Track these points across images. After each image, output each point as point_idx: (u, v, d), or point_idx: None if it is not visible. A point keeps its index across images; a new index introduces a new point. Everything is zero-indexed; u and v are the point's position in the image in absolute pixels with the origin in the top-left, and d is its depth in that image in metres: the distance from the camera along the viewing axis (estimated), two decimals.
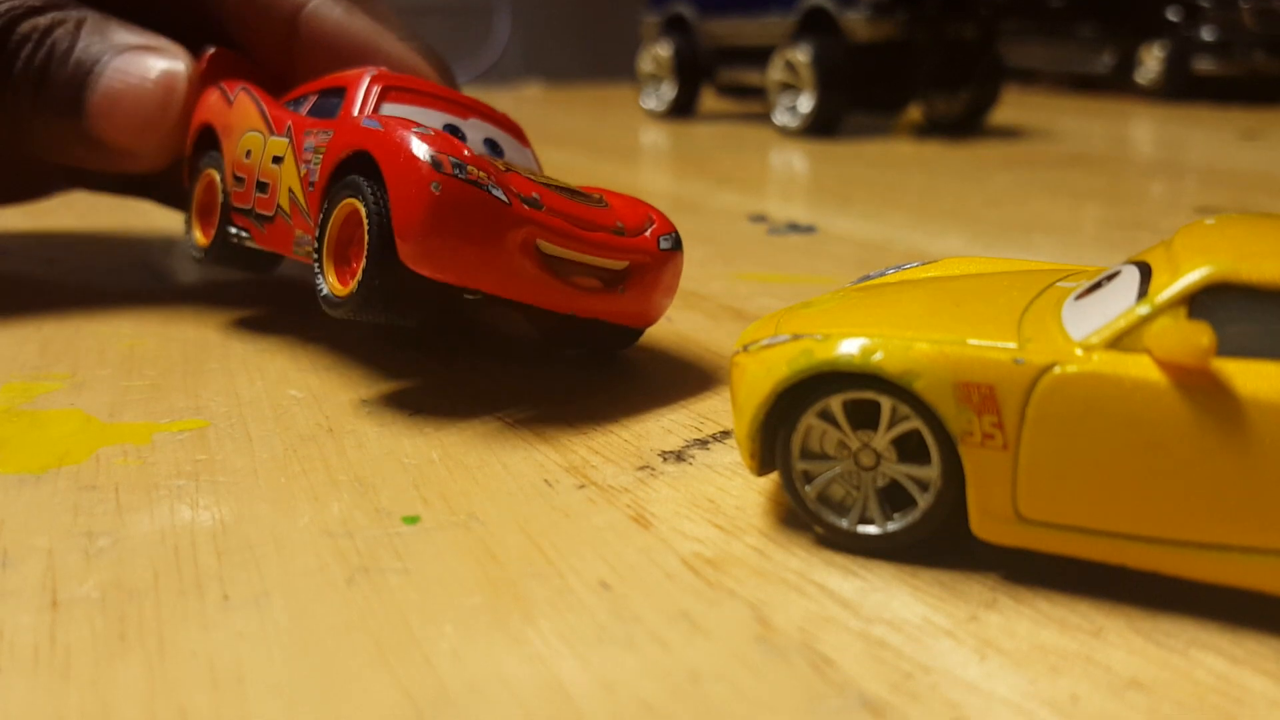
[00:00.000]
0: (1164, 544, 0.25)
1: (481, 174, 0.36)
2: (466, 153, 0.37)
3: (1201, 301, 0.25)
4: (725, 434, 0.37)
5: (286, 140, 0.43)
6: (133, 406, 0.40)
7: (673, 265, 0.42)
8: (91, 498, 0.32)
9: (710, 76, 1.72)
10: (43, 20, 0.50)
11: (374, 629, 0.25)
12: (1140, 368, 0.25)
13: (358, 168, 0.38)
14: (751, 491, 0.33)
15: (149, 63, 0.51)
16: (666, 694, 0.23)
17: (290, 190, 0.43)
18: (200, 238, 0.51)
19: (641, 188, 1.02)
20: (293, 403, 0.41)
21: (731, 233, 0.76)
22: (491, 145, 0.45)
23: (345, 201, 0.39)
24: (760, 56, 1.55)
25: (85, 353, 0.47)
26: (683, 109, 1.75)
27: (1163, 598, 0.26)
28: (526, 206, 0.37)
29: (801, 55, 1.42)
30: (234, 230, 0.48)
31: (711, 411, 0.40)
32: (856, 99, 1.45)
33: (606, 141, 1.44)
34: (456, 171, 0.36)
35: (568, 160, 1.20)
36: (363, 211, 0.37)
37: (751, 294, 0.58)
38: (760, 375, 0.29)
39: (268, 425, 0.38)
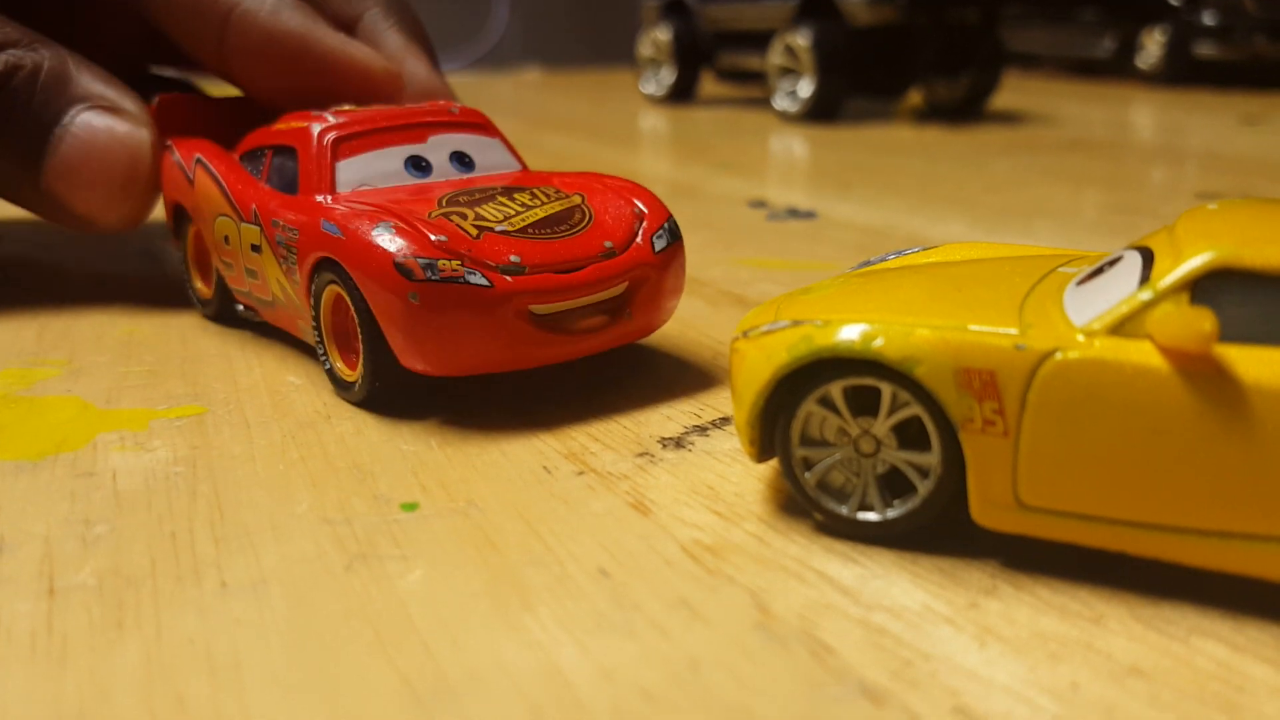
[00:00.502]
0: (1165, 531, 0.25)
1: (454, 264, 0.35)
2: (433, 238, 0.36)
3: (1204, 287, 0.25)
4: (725, 420, 0.37)
5: (258, 229, 0.42)
6: (130, 393, 0.40)
7: (674, 263, 0.41)
8: (89, 484, 0.32)
9: (710, 61, 1.71)
10: None
11: (372, 616, 0.25)
12: (1142, 354, 0.24)
13: (333, 263, 0.38)
14: (751, 478, 0.33)
15: (112, 129, 0.48)
16: (666, 681, 0.23)
17: (279, 281, 0.42)
18: (202, 289, 0.50)
19: (641, 173, 1.02)
20: (291, 389, 0.41)
21: (731, 218, 0.76)
22: (459, 159, 0.44)
23: (329, 288, 0.38)
24: (760, 41, 1.54)
25: (83, 339, 0.47)
26: (682, 94, 1.74)
27: (1163, 585, 0.26)
28: (509, 278, 0.36)
29: (801, 39, 1.41)
30: (241, 307, 0.47)
31: (711, 398, 0.40)
32: (857, 84, 1.44)
33: (606, 127, 1.44)
34: (429, 274, 0.35)
35: (567, 146, 1.19)
36: (351, 306, 0.37)
37: (751, 280, 0.58)
38: (760, 361, 0.29)
39: (266, 412, 0.38)
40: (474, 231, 0.37)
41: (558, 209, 0.40)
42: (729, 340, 0.32)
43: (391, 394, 0.38)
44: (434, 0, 2.76)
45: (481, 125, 0.46)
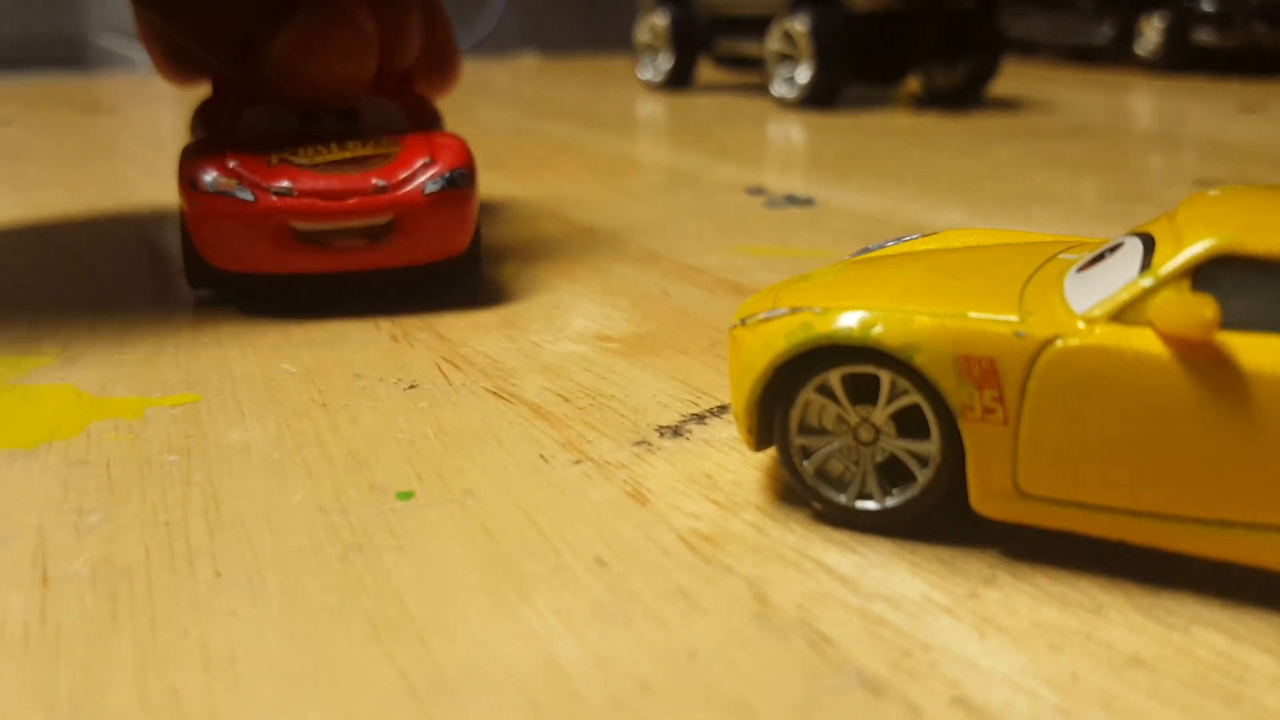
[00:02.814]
0: (1166, 519, 0.25)
1: (230, 182, 0.46)
2: (230, 165, 0.47)
3: (1206, 274, 0.24)
4: (723, 409, 0.37)
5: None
6: (124, 381, 0.40)
7: (449, 206, 0.48)
8: (82, 473, 0.32)
9: (708, 47, 1.70)
10: None
11: (368, 607, 0.25)
12: (1143, 341, 0.24)
13: None
14: (749, 467, 0.33)
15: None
16: (663, 672, 0.23)
17: None
18: None
19: (638, 160, 1.01)
20: (286, 377, 0.40)
21: (729, 205, 0.76)
22: (347, 115, 0.52)
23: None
24: (758, 27, 1.53)
25: (76, 327, 0.46)
26: (680, 80, 1.73)
27: (1164, 574, 0.26)
28: (274, 198, 0.46)
29: (799, 25, 1.41)
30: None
31: (709, 386, 0.39)
32: (855, 70, 1.43)
33: (603, 113, 1.43)
34: (208, 188, 0.46)
35: (564, 132, 1.19)
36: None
37: (749, 267, 0.57)
38: (758, 349, 0.29)
39: (260, 400, 0.38)
40: (275, 161, 0.47)
41: (362, 154, 0.48)
42: (726, 328, 0.32)
43: (201, 281, 0.49)
44: None
45: (388, 91, 0.54)
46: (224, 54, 0.52)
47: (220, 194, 0.46)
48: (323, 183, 0.47)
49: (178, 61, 0.59)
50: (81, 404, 0.38)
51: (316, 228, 0.46)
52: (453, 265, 0.50)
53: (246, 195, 0.46)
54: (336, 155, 0.48)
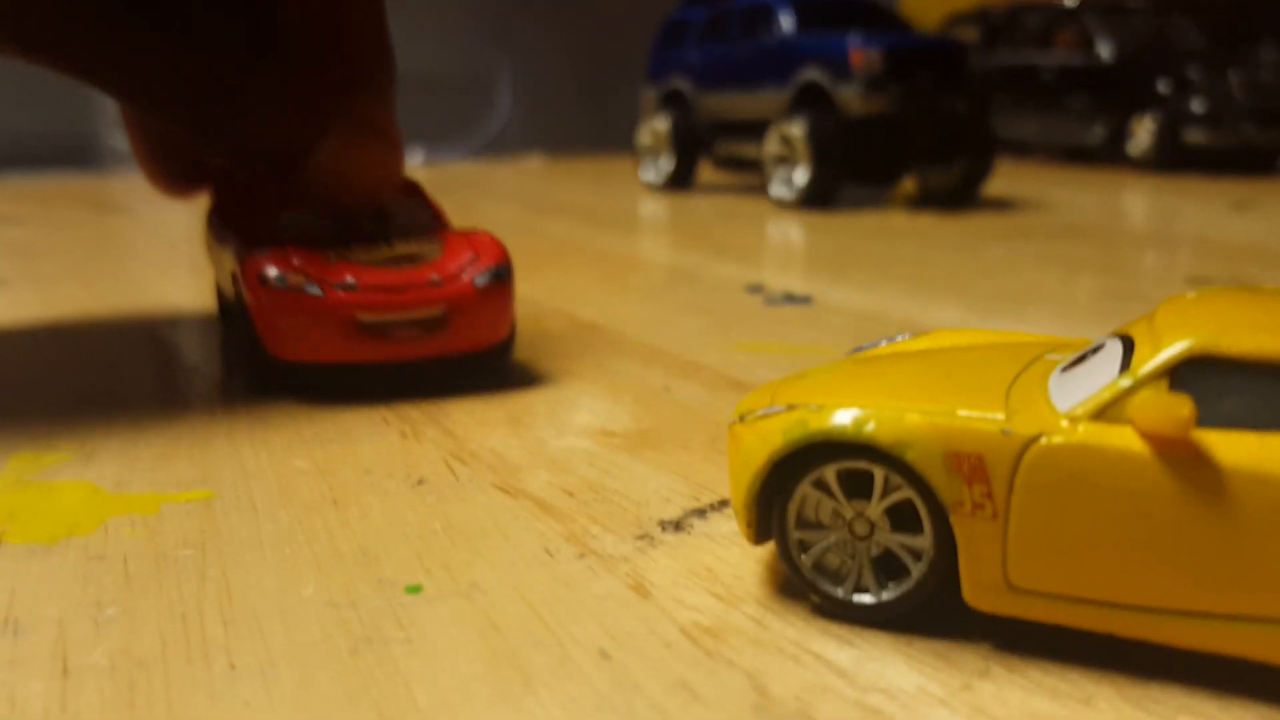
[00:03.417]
0: (1151, 612, 0.25)
1: (299, 278, 0.50)
2: (295, 262, 0.50)
3: (1182, 374, 0.25)
4: (723, 503, 0.38)
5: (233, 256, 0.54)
6: (140, 477, 0.41)
7: (495, 297, 0.53)
8: (100, 568, 0.33)
9: (708, 149, 1.74)
10: None
11: (377, 699, 0.26)
12: (1124, 439, 0.25)
13: None
14: (749, 560, 0.33)
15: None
16: None
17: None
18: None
19: (640, 258, 1.03)
20: (297, 474, 0.41)
21: (728, 303, 0.77)
22: (378, 213, 0.56)
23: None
24: (756, 130, 1.57)
25: (92, 423, 0.48)
26: (681, 181, 1.77)
27: (1151, 665, 0.26)
28: (341, 292, 0.50)
29: (796, 129, 1.44)
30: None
31: (709, 481, 0.40)
32: (851, 172, 1.47)
33: (606, 212, 1.46)
34: (279, 284, 0.50)
35: (567, 231, 1.21)
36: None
37: (748, 364, 0.59)
38: (756, 445, 0.30)
39: (273, 496, 0.39)
40: (335, 259, 0.51)
41: (412, 252, 0.53)
42: (726, 423, 0.33)
43: (267, 376, 0.52)
44: (440, 90, 2.81)
45: (410, 190, 0.58)
46: (258, 166, 0.55)
47: (291, 290, 0.50)
48: (383, 278, 0.51)
49: (171, 170, 0.62)
50: (99, 499, 0.39)
51: (380, 319, 0.50)
52: (495, 351, 0.54)
53: (315, 290, 0.50)
54: (389, 253, 0.53)
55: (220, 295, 0.65)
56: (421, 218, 0.58)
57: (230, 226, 0.56)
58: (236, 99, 0.52)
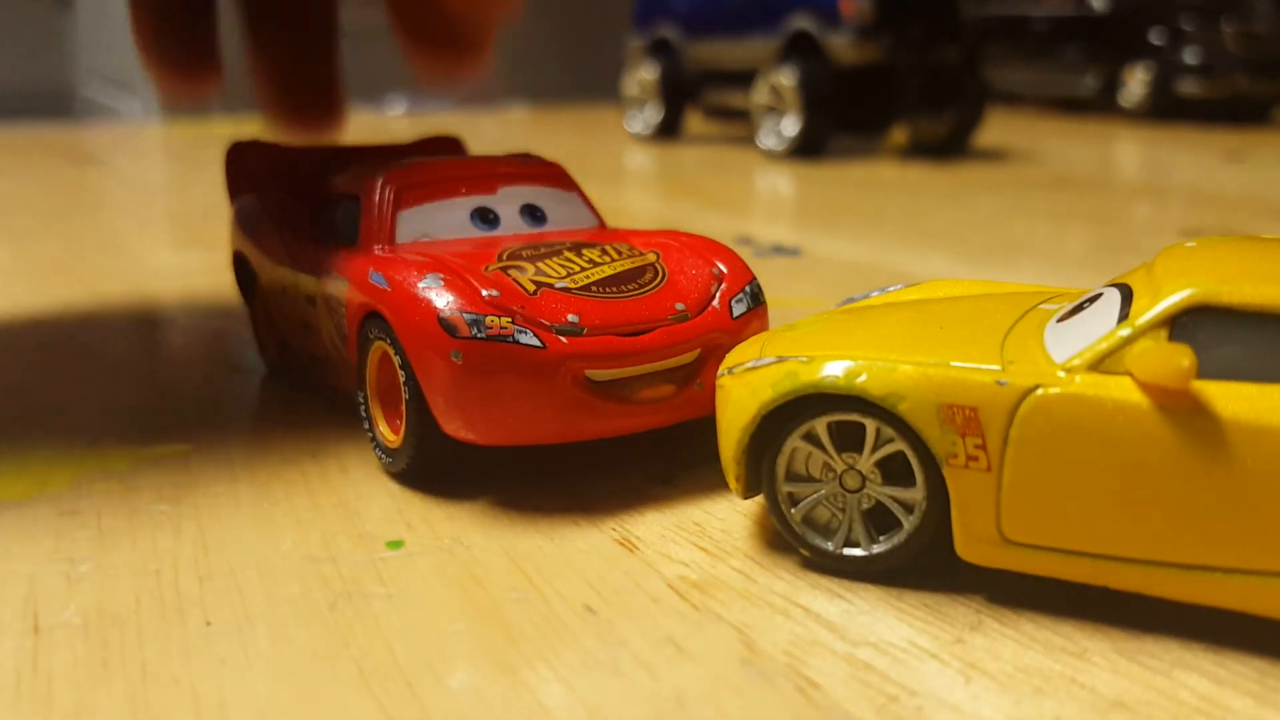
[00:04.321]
0: (1146, 565, 0.25)
1: (504, 321, 0.32)
2: (484, 293, 0.33)
3: (1182, 324, 0.25)
4: (711, 457, 0.37)
5: (313, 278, 0.40)
6: (115, 431, 0.40)
7: (755, 328, 0.37)
8: (73, 523, 0.32)
9: (695, 99, 1.72)
10: None
11: (357, 654, 0.25)
12: (1122, 390, 0.25)
13: (380, 318, 0.35)
14: (737, 515, 0.33)
15: None
16: (652, 718, 0.23)
17: (331, 337, 0.40)
18: (269, 345, 0.47)
19: (627, 210, 1.02)
20: (276, 427, 0.41)
21: None
22: (530, 212, 0.41)
23: (376, 344, 0.36)
24: (745, 79, 1.56)
25: (67, 377, 0.47)
26: (668, 131, 1.75)
27: (1146, 619, 0.26)
28: (564, 339, 0.33)
29: (786, 78, 1.42)
30: (303, 362, 0.45)
31: (697, 434, 0.40)
32: (841, 121, 1.45)
33: (592, 164, 1.45)
34: (475, 331, 0.32)
35: None
36: (396, 362, 0.34)
37: None
38: (745, 398, 0.29)
39: (251, 450, 0.38)
40: (531, 287, 0.34)
41: (627, 266, 0.37)
42: (714, 376, 0.32)
43: (436, 466, 0.35)
44: None
45: (558, 178, 0.43)
46: None
47: (494, 339, 0.32)
48: (612, 311, 0.34)
49: (177, 54, 0.55)
50: (72, 454, 0.38)
51: (618, 376, 0.34)
52: None
53: (531, 340, 0.33)
54: (598, 271, 0.36)
55: (267, 324, 0.46)
56: (579, 210, 0.43)
57: (289, 227, 0.43)
58: None
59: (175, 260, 0.76)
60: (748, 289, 0.37)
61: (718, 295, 0.37)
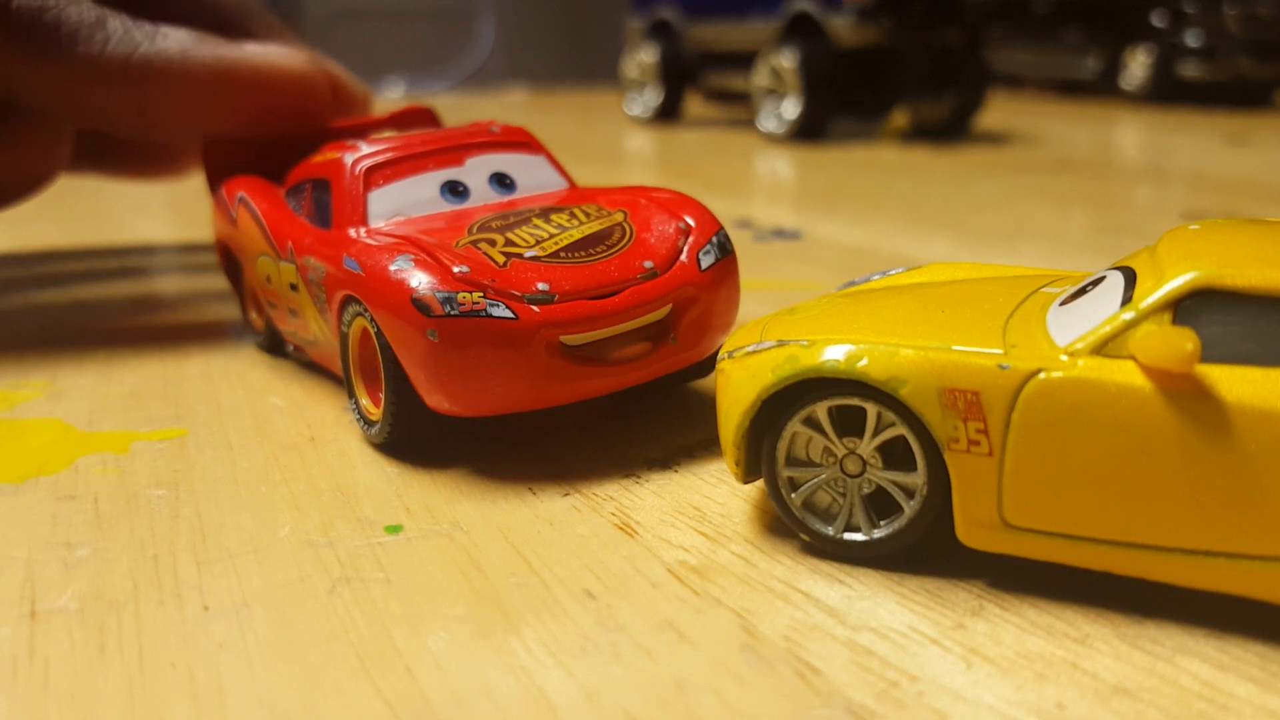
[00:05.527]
0: (1149, 550, 0.25)
1: (476, 296, 0.33)
2: (455, 270, 0.34)
3: (1186, 307, 0.25)
4: (711, 441, 0.37)
5: (293, 266, 0.41)
6: (111, 415, 0.40)
7: (725, 282, 0.38)
8: (70, 507, 0.32)
9: (695, 81, 1.72)
10: None
11: (356, 640, 0.25)
12: (1125, 373, 0.25)
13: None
14: (737, 499, 0.33)
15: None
16: (651, 704, 0.23)
17: (316, 320, 0.40)
18: (257, 320, 0.48)
19: None
20: (274, 411, 0.40)
21: None
22: (499, 180, 0.42)
23: (357, 321, 0.36)
24: (745, 62, 1.55)
25: (63, 361, 0.46)
26: (667, 114, 1.75)
27: (1149, 604, 0.26)
28: (535, 308, 0.34)
29: (786, 60, 1.42)
30: (291, 347, 0.46)
31: (697, 418, 0.40)
32: (842, 104, 1.45)
33: (591, 146, 1.44)
34: (448, 309, 0.33)
35: None
36: (375, 340, 0.35)
37: None
38: (745, 382, 0.29)
39: (248, 434, 0.38)
40: (501, 259, 0.35)
41: (596, 229, 0.37)
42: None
43: (416, 436, 0.36)
44: (420, 21, 2.77)
45: (524, 144, 0.44)
46: None
47: (467, 315, 0.33)
48: (581, 276, 0.35)
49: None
50: (69, 438, 0.38)
51: (592, 339, 0.35)
52: (705, 366, 0.40)
53: (503, 312, 0.33)
54: (567, 236, 0.37)
55: (255, 305, 0.48)
56: (546, 173, 0.44)
57: (268, 215, 0.44)
58: None
59: (172, 242, 0.76)
60: (715, 240, 0.38)
61: (685, 249, 0.37)
